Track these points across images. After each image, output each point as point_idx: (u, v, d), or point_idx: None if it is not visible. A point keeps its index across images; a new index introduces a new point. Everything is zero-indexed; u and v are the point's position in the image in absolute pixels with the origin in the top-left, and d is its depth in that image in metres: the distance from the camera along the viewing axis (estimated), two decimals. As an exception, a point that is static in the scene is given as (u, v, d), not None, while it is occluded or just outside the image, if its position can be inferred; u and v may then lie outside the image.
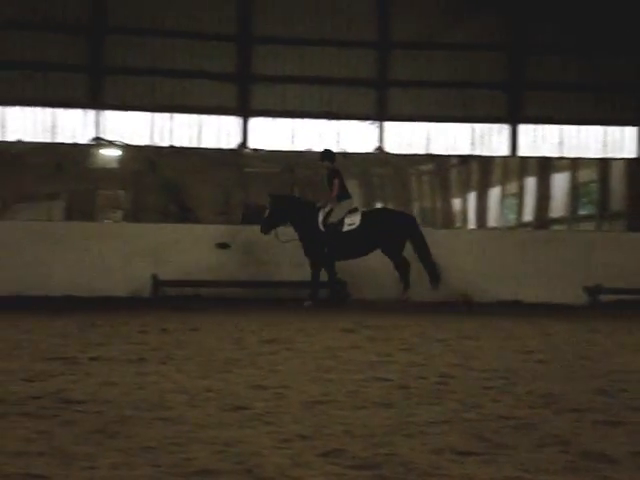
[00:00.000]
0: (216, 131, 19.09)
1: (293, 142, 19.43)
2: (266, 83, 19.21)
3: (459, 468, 3.94)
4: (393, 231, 15.09)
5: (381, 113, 19.54)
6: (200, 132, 19.01)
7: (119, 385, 6.18)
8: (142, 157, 19.15)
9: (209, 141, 19.06)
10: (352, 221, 14.98)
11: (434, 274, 15.10)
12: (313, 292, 14.87)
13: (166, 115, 18.89)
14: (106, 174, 20.06)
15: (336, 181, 14.99)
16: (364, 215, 15.16)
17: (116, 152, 19.64)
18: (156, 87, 18.78)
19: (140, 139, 18.89)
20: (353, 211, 15.13)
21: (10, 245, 16.50)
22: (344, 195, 15.08)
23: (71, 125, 18.43)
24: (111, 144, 18.89)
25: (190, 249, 15.92)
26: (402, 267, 15.04)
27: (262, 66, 19.26)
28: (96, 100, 18.48)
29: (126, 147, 19.02)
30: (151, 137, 18.92)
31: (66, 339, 9.42)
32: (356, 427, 4.77)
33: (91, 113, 18.45)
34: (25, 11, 18.36)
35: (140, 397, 5.71)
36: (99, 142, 18.72)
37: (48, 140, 18.58)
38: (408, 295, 14.98)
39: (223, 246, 16.49)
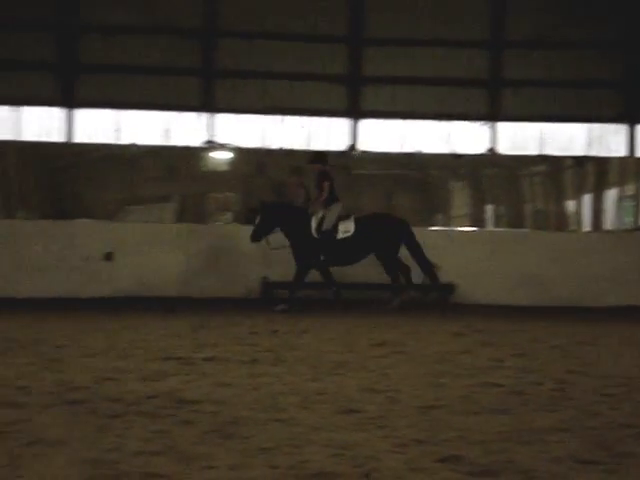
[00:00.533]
0: (326, 133, 19.15)
1: (403, 144, 19.34)
2: (376, 84, 19.15)
3: (582, 477, 3.82)
4: (387, 237, 14.78)
5: (493, 113, 19.26)
6: (310, 134, 19.10)
7: (233, 386, 6.24)
8: (252, 160, 19.35)
9: (319, 143, 19.13)
10: (347, 228, 14.62)
11: (432, 275, 14.75)
12: (291, 297, 14.44)
13: (277, 118, 19.04)
14: (217, 177, 20.36)
15: (326, 184, 14.58)
16: (357, 221, 14.73)
17: (227, 155, 19.90)
18: (267, 90, 18.93)
19: (250, 142, 19.09)
20: (345, 217, 14.69)
21: (125, 247, 16.88)
22: (333, 199, 14.64)
23: (184, 128, 18.74)
24: (222, 147, 19.14)
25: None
26: (402, 271, 14.65)
27: (372, 67, 19.20)
28: (208, 103, 18.75)
29: (237, 150, 19.24)
30: (262, 140, 19.10)
31: (180, 339, 9.58)
32: (471, 433, 4.69)
33: (203, 116, 18.73)
34: (140, 16, 18.77)
35: (254, 398, 5.75)
36: (211, 145, 18.98)
37: (161, 143, 18.94)
38: (399, 301, 14.43)
39: None
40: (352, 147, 18.89)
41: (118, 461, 3.96)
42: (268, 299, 14.91)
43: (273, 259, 15.41)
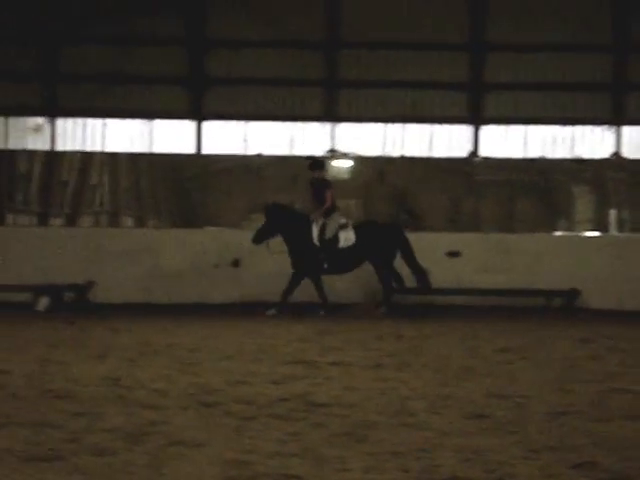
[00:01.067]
0: (447, 140, 19.09)
1: (525, 149, 19.11)
2: (498, 91, 18.99)
3: None
4: (385, 244, 14.74)
5: (617, 117, 18.86)
6: (431, 141, 19.09)
7: (360, 390, 6.33)
8: (373, 168, 19.46)
9: (440, 150, 19.09)
10: (348, 237, 14.53)
11: (424, 281, 14.75)
12: (282, 301, 14.42)
13: (398, 126, 19.11)
14: (338, 185, 20.52)
15: (329, 193, 14.51)
16: (355, 230, 14.64)
17: (348, 163, 20.06)
18: (388, 98, 19.03)
19: (372, 150, 19.23)
20: (344, 226, 14.62)
21: (251, 254, 17.21)
22: (333, 208, 14.55)
23: (307, 138, 19.02)
24: (344, 156, 19.33)
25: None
26: (396, 279, 14.67)
27: (494, 73, 19.05)
28: (331, 113, 18.99)
29: (358, 158, 19.37)
30: (383, 147, 19.20)
31: (306, 344, 9.74)
32: (604, 439, 4.66)
33: (326, 126, 18.97)
34: (265, 30, 19.14)
35: (382, 402, 5.83)
36: (333, 154, 19.21)
37: (286, 153, 19.26)
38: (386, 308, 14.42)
39: (454, 254, 16.47)
40: (473, 153, 18.78)
41: (255, 462, 4.10)
42: (391, 305, 14.92)
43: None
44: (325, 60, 19.05)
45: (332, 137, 18.97)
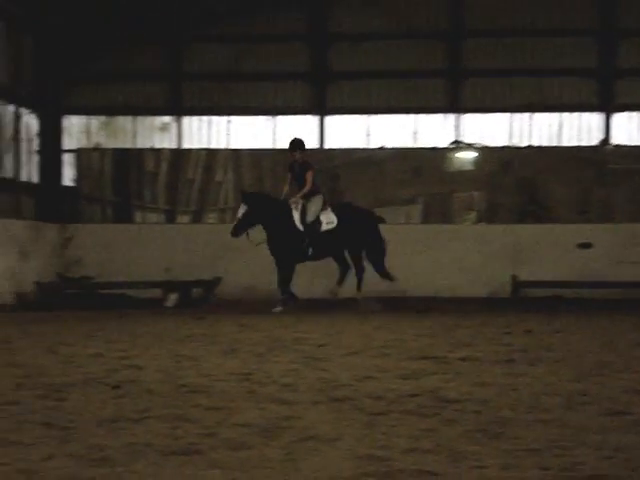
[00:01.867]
0: (576, 128, 18.63)
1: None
2: (631, 77, 18.41)
3: None
4: (364, 228, 14.43)
5: None
6: (560, 130, 18.67)
7: (492, 386, 6.21)
8: (498, 158, 19.12)
9: (569, 139, 18.65)
10: (329, 219, 14.04)
11: (387, 275, 14.64)
12: (285, 296, 14.22)
13: (524, 115, 18.77)
14: (462, 176, 20.24)
15: (310, 175, 13.99)
16: (335, 212, 14.22)
17: (472, 154, 19.76)
18: (514, 87, 18.71)
19: (498, 140, 18.94)
20: (325, 209, 14.15)
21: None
22: (315, 190, 14.10)
23: (431, 130, 18.89)
24: (469, 146, 19.08)
25: (550, 249, 15.67)
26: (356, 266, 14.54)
27: (628, 59, 18.47)
28: (455, 104, 18.81)
29: (483, 149, 19.10)
30: (509, 137, 18.89)
31: (433, 339, 9.66)
32: None
33: (450, 117, 18.79)
34: (386, 22, 19.10)
35: (515, 398, 5.70)
36: (457, 145, 18.99)
37: (408, 146, 19.17)
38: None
39: (585, 246, 16.07)
40: (605, 141, 18.25)
41: (390, 458, 4.06)
42: (518, 298, 14.67)
43: (523, 258, 15.18)
44: (449, 50, 18.87)
45: (456, 128, 18.77)
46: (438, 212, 20.30)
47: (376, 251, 14.54)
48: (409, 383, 6.34)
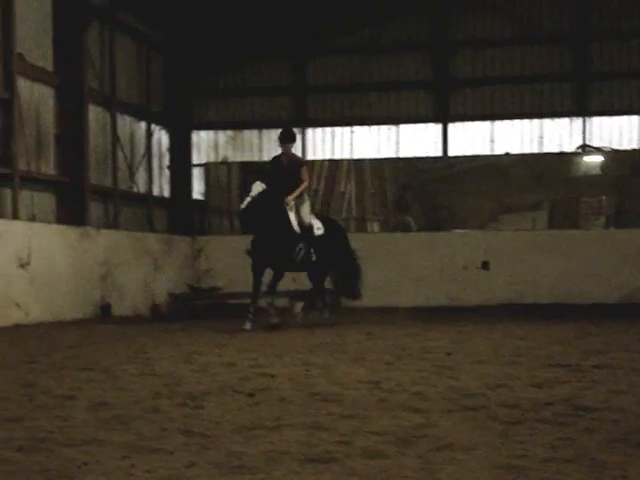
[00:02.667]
0: None
1: None
2: None
3: None
4: (339, 239, 13.09)
5: None
6: None
7: (629, 394, 6.06)
8: (626, 161, 18.67)
9: None
10: (318, 225, 12.48)
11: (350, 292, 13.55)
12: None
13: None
14: (588, 181, 19.87)
15: (305, 171, 12.34)
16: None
17: (599, 158, 19.36)
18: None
19: (626, 143, 18.47)
20: (311, 212, 12.69)
21: (499, 255, 17.00)
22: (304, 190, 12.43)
23: (557, 134, 18.57)
24: (597, 150, 18.68)
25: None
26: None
27: None
28: (582, 108, 18.45)
29: (611, 152, 18.66)
30: (637, 140, 18.41)
31: (565, 346, 9.48)
32: None
33: (577, 121, 18.44)
34: (509, 27, 18.90)
35: (656, 408, 5.55)
36: (585, 150, 18.62)
37: (533, 151, 18.91)
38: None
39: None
40: None
41: (528, 468, 4.00)
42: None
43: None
44: (574, 53, 18.53)
45: (583, 132, 18.40)
46: (565, 217, 19.98)
47: (353, 271, 13.37)
48: (543, 391, 6.24)
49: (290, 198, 12.00)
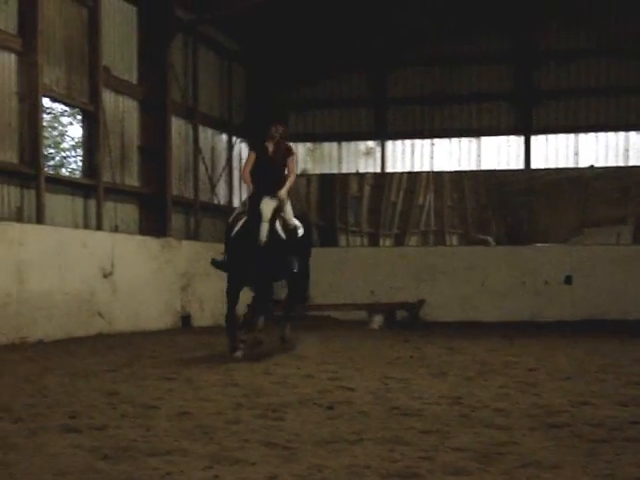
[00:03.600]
0: None
1: None
2: None
3: None
4: (309, 240, 10.86)
5: None
6: None
7: None
8: None
9: None
10: (299, 224, 10.21)
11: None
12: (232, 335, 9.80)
13: None
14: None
15: (294, 161, 10.28)
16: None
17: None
18: None
19: None
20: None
21: (583, 270, 16.71)
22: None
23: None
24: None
25: None
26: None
27: None
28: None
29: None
30: None
31: (651, 365, 9.27)
32: None
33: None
34: (592, 39, 18.63)
35: None
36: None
37: (619, 164, 18.58)
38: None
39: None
40: None
41: (615, 487, 3.92)
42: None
43: None
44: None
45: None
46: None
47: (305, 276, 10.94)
48: (629, 410, 6.11)
49: (283, 192, 9.77)
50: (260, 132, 10.31)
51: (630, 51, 18.43)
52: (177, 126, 16.84)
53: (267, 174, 9.89)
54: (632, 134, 18.36)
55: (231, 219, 10.16)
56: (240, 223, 9.74)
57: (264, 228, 9.36)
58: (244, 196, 19.80)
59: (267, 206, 9.50)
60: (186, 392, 6.89)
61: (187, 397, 6.61)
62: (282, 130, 10.10)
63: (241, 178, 19.75)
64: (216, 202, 18.68)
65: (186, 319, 15.72)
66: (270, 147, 10.05)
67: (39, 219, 12.50)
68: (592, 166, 18.70)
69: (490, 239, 20.00)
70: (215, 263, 10.26)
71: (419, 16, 19.16)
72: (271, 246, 9.40)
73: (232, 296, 9.91)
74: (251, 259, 9.44)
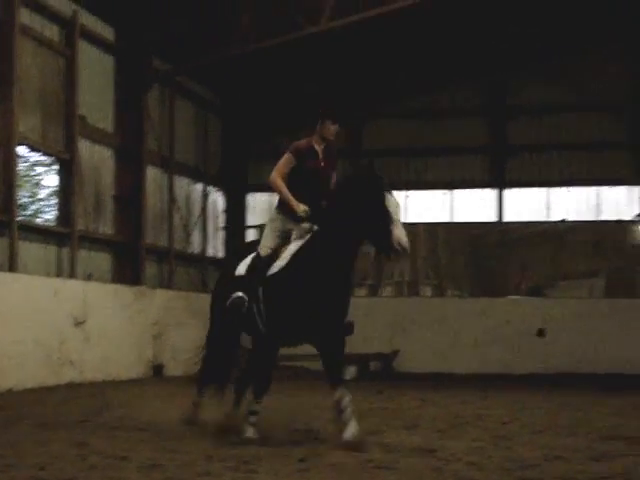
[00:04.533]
0: None
1: None
2: None
3: None
4: None
5: None
6: None
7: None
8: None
9: None
10: None
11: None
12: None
13: None
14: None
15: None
16: None
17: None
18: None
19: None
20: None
21: (556, 323, 16.79)
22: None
23: (615, 202, 18.46)
24: (656, 219, 18.53)
25: None
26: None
27: None
28: (638, 175, 18.36)
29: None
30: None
31: (623, 418, 9.27)
32: None
33: (635, 189, 18.34)
34: (565, 95, 18.91)
35: None
36: (641, 218, 18.50)
37: (589, 219, 18.77)
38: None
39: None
40: None
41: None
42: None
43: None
44: (632, 121, 18.47)
45: (640, 200, 18.30)
46: (622, 286, 19.67)
47: None
48: (600, 464, 6.10)
49: (311, 212, 7.17)
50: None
51: (602, 106, 18.71)
52: (152, 175, 16.86)
53: (312, 188, 7.28)
54: (604, 189, 18.58)
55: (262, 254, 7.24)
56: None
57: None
58: (219, 245, 19.98)
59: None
60: (157, 443, 6.82)
61: (158, 448, 6.54)
62: (337, 130, 7.50)
63: (215, 227, 19.70)
64: (190, 251, 18.64)
65: (158, 368, 15.59)
66: (319, 151, 7.43)
67: (11, 267, 12.42)
68: (564, 220, 18.88)
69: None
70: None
71: (395, 70, 19.38)
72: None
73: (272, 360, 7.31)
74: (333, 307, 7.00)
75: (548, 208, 18.80)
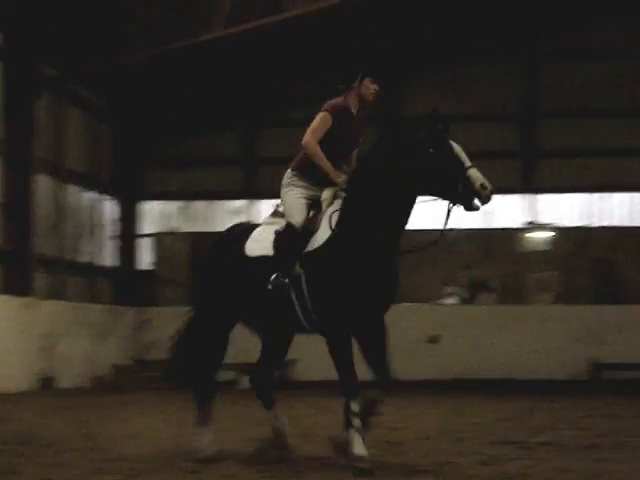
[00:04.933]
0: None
1: None
2: None
3: None
4: None
5: None
6: (632, 210, 18.49)
7: (575, 472, 6.04)
8: (572, 238, 18.96)
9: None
10: None
11: None
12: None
13: (598, 195, 18.69)
14: (536, 257, 20.07)
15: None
16: None
17: (546, 234, 19.62)
18: (588, 167, 18.63)
19: (572, 220, 18.83)
20: None
21: (448, 330, 17.05)
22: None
23: (505, 210, 18.86)
24: (543, 227, 18.97)
25: (632, 330, 15.33)
26: None
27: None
28: (529, 184, 18.83)
29: (556, 229, 18.96)
30: (583, 218, 18.75)
31: (512, 423, 9.46)
32: None
33: (525, 197, 18.80)
34: (457, 104, 19.19)
35: (602, 486, 5.54)
36: (531, 226, 18.89)
37: (481, 226, 19.09)
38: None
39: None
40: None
41: None
42: (598, 381, 14.34)
43: (602, 340, 14.89)
44: (521, 131, 18.92)
45: (531, 209, 18.69)
46: (512, 293, 20.09)
47: None
48: (490, 469, 6.20)
49: (339, 182, 6.47)
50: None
51: (494, 116, 19.07)
52: (42, 183, 16.47)
53: (341, 154, 6.64)
54: (495, 197, 18.95)
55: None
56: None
57: None
58: (111, 254, 19.67)
59: None
60: (47, 457, 6.66)
61: (48, 463, 6.38)
62: (379, 90, 6.52)
63: (107, 236, 19.36)
64: (81, 260, 18.27)
65: (48, 381, 15.22)
66: (354, 112, 6.58)
67: None
68: (453, 228, 19.17)
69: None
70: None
71: (293, 79, 19.39)
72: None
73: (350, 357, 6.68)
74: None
75: (436, 217, 19.09)
